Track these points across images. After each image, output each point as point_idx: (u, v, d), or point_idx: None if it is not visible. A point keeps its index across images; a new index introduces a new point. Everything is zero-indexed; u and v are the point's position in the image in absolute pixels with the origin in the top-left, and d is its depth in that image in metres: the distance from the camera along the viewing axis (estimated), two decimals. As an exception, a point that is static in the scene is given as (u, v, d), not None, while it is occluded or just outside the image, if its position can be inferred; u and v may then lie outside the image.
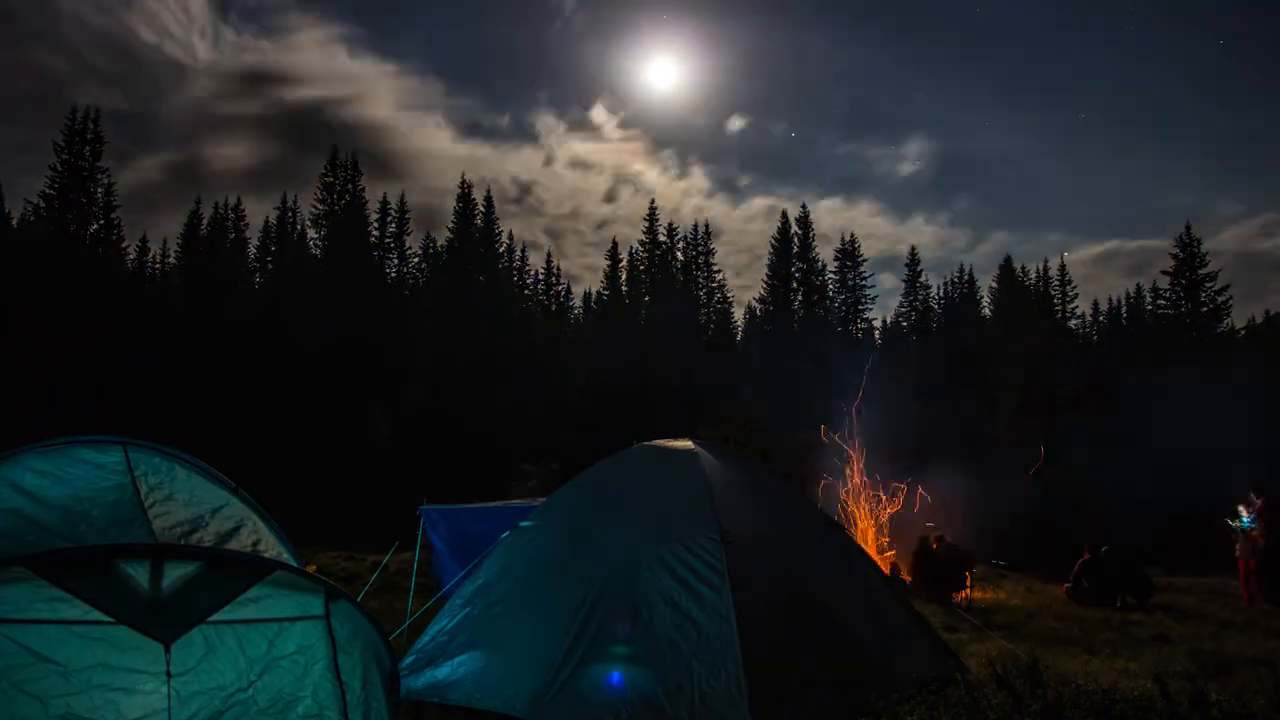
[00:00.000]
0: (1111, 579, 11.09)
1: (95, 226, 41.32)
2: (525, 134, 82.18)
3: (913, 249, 52.92)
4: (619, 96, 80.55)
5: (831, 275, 50.96)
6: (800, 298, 50.11)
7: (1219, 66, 69.15)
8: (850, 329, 50.45)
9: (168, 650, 3.02)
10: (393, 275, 48.46)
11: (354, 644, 3.50)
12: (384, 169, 76.03)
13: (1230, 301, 42.89)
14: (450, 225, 48.06)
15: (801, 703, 4.49)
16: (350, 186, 46.45)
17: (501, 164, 77.35)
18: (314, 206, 46.74)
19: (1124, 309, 53.36)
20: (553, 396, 42.93)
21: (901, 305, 53.60)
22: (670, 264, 52.28)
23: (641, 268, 52.47)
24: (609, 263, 52.19)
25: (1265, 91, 67.46)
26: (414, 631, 6.85)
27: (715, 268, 53.69)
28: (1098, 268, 72.67)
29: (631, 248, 54.18)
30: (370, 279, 44.70)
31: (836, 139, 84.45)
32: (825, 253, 77.50)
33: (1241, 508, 11.27)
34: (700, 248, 53.19)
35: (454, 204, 48.41)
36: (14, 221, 42.87)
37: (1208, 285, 43.41)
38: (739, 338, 55.71)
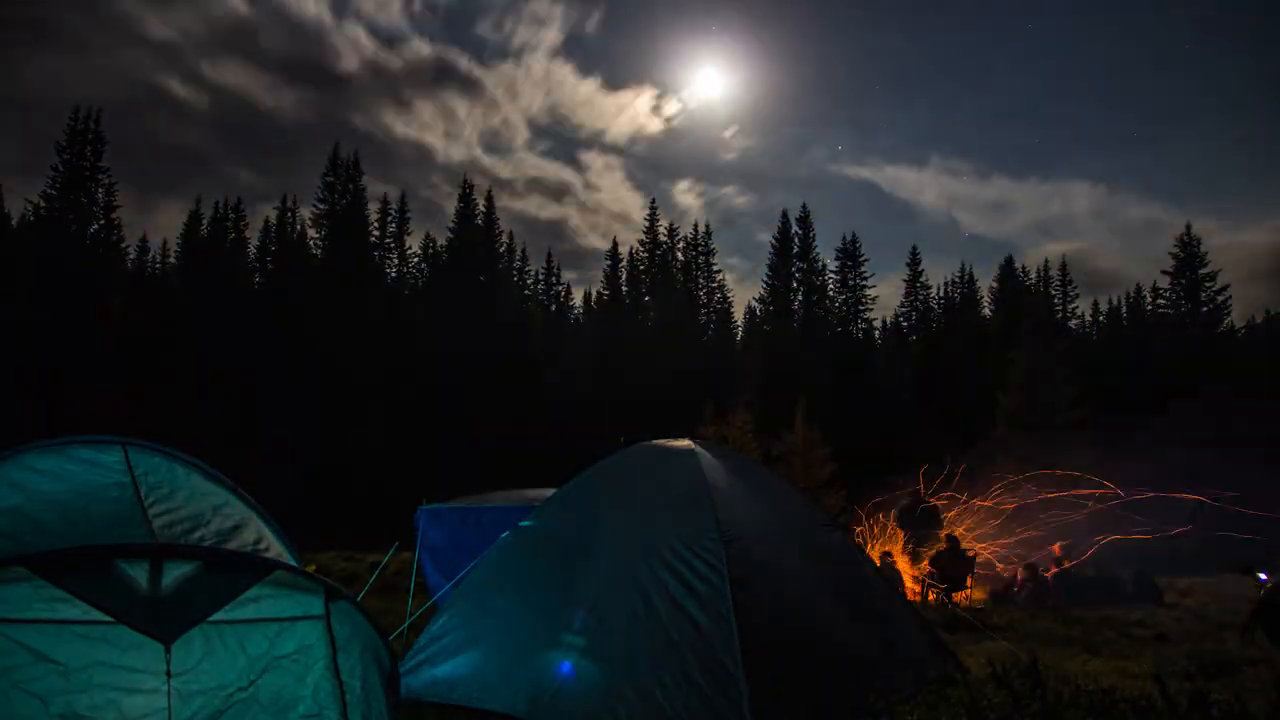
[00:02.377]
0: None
1: (95, 226, 41.31)
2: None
3: (914, 248, 52.95)
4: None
5: (832, 275, 50.94)
6: (800, 298, 50.09)
7: None
8: (851, 329, 50.44)
9: (168, 650, 3.02)
10: (393, 275, 48.45)
11: (354, 644, 3.50)
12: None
13: (1230, 301, 42.94)
14: (450, 225, 48.06)
15: (801, 702, 4.49)
16: (350, 186, 46.43)
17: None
18: (314, 206, 46.75)
19: (1124, 309, 53.38)
20: (552, 396, 42.90)
21: (902, 305, 53.63)
22: (670, 264, 52.26)
23: (641, 268, 52.45)
24: (609, 263, 52.18)
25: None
26: (414, 631, 6.85)
27: (715, 268, 53.69)
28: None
29: (631, 248, 54.21)
30: (370, 279, 44.68)
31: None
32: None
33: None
34: (700, 248, 53.19)
35: (455, 204, 48.37)
36: (14, 221, 42.84)
37: (1208, 285, 43.42)
38: (739, 337, 55.72)
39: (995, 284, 52.86)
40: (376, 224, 47.51)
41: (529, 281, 54.42)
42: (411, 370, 40.93)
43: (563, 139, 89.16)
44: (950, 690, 5.20)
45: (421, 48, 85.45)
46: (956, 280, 54.66)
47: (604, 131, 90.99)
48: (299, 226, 47.78)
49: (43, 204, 39.83)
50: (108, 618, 2.91)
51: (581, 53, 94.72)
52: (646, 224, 51.98)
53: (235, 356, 37.92)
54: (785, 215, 50.76)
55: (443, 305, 44.16)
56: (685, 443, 6.39)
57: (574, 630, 4.93)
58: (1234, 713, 4.37)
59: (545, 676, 4.82)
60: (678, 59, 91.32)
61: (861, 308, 50.62)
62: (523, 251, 53.51)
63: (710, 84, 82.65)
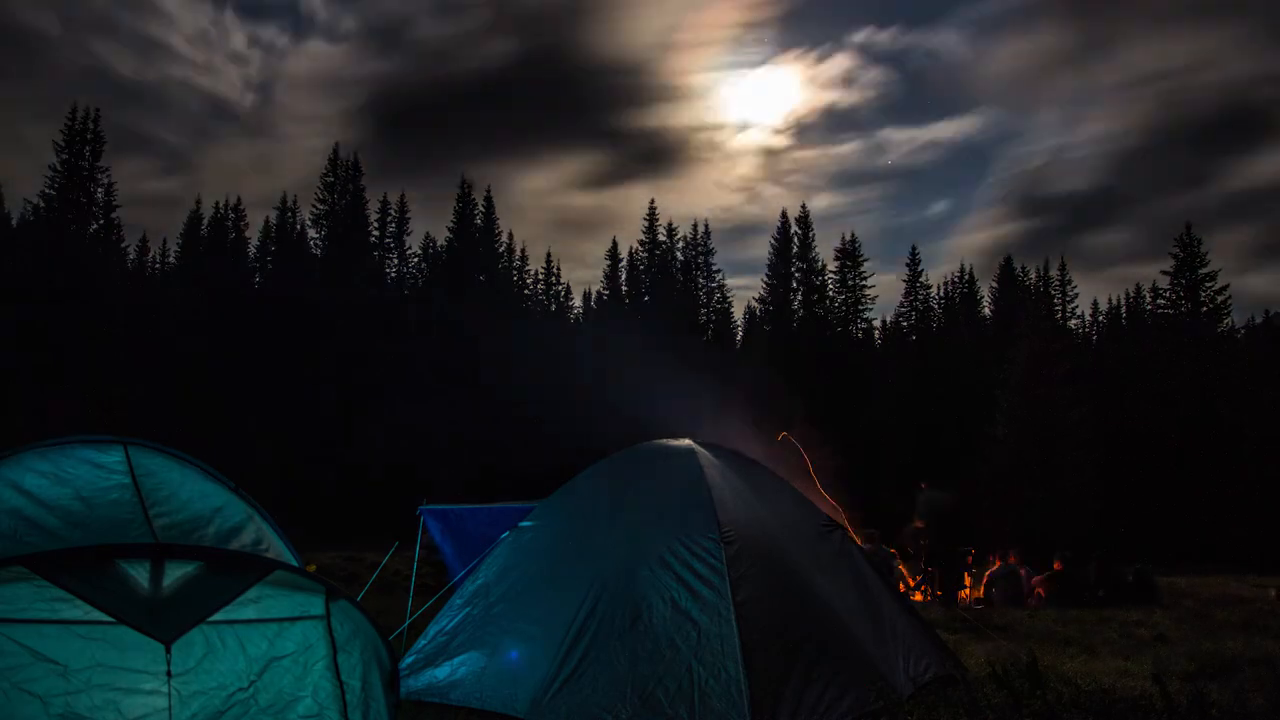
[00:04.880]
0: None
1: (95, 226, 41.31)
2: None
3: (913, 247, 52.89)
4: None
5: (832, 275, 50.90)
6: (800, 298, 50.07)
7: None
8: (850, 329, 50.43)
9: (168, 650, 3.02)
10: (393, 275, 48.44)
11: (354, 644, 3.49)
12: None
13: (1230, 301, 42.89)
14: (450, 225, 48.02)
15: (801, 703, 4.49)
16: (350, 186, 46.42)
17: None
18: (314, 206, 46.74)
19: (1124, 309, 53.36)
20: (551, 397, 42.86)
21: (902, 305, 53.57)
22: (670, 264, 52.23)
23: (641, 268, 52.43)
24: (609, 262, 52.16)
25: None
26: (414, 631, 6.85)
27: (715, 267, 53.68)
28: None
29: (631, 247, 54.15)
30: (370, 279, 44.66)
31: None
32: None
33: None
34: (700, 247, 53.17)
35: (454, 204, 48.32)
36: (14, 221, 42.82)
37: (1207, 285, 43.38)
38: (739, 337, 55.67)
39: (995, 284, 52.87)
40: (376, 224, 47.49)
41: (529, 281, 54.40)
42: (410, 370, 40.89)
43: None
44: (950, 690, 5.20)
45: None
46: (956, 280, 54.66)
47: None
48: (299, 226, 47.78)
49: (42, 204, 39.83)
50: (108, 618, 2.91)
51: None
52: (646, 223, 51.98)
53: (235, 356, 37.90)
54: (785, 215, 50.79)
55: (440, 307, 44.09)
56: (685, 442, 6.39)
57: (574, 631, 4.93)
58: (1234, 713, 4.37)
59: (545, 677, 4.82)
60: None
61: (861, 308, 50.59)
62: (522, 251, 53.51)
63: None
